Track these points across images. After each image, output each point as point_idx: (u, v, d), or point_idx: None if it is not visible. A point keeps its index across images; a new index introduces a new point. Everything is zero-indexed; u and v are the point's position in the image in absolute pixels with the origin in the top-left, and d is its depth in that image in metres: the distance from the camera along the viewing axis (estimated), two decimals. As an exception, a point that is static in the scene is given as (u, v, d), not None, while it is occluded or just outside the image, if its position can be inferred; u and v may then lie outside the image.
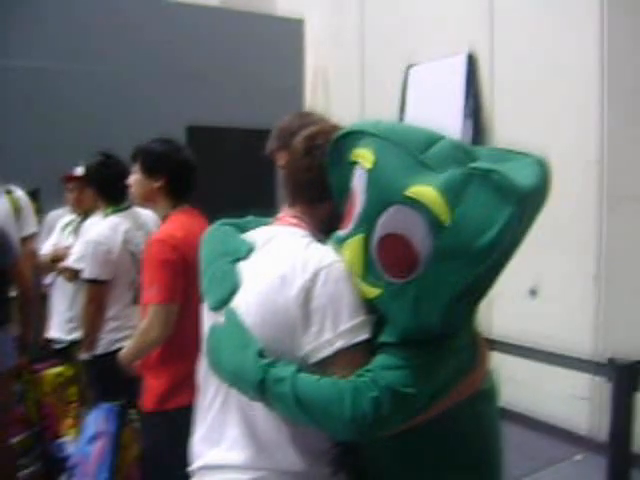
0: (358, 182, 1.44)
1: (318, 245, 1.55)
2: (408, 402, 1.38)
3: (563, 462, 4.31)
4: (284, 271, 1.47)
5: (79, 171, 3.76)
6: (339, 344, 1.42)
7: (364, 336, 1.44)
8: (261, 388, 1.40)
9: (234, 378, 1.47)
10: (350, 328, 1.43)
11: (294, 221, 1.63)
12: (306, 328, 1.44)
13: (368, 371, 1.39)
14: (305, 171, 1.60)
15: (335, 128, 1.63)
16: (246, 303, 1.51)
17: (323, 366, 1.44)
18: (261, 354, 1.44)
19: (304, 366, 1.43)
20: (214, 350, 1.53)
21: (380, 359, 1.41)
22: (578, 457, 4.35)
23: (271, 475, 1.51)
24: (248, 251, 1.61)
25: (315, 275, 1.44)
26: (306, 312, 1.44)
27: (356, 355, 1.43)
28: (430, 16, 5.72)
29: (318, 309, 1.43)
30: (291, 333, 1.46)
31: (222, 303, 1.58)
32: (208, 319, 1.65)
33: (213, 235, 1.77)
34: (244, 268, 1.58)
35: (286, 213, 1.66)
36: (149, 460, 2.74)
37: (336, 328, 1.42)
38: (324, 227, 1.63)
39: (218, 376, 1.53)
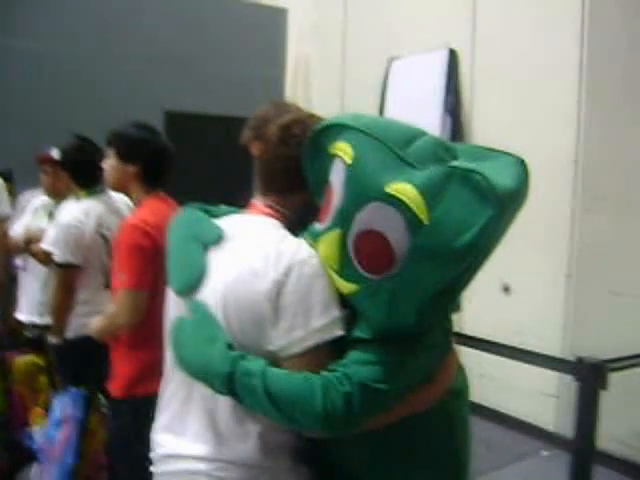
0: (337, 176, 1.42)
1: (292, 238, 1.53)
2: (379, 398, 1.38)
3: (529, 457, 4.36)
4: (256, 263, 1.45)
5: (54, 153, 3.72)
6: (310, 342, 1.41)
7: (336, 334, 1.43)
8: (229, 381, 1.38)
9: (201, 372, 1.45)
10: (322, 326, 1.41)
11: (267, 210, 1.61)
12: (276, 323, 1.42)
13: (341, 366, 1.38)
14: (280, 160, 1.58)
15: (311, 117, 1.62)
16: (215, 294, 1.49)
17: (292, 361, 1.42)
18: (230, 347, 1.42)
19: (272, 360, 1.42)
20: (179, 344, 1.51)
21: (353, 354, 1.40)
22: (544, 453, 4.40)
23: (230, 466, 1.50)
24: (218, 236, 1.58)
25: (288, 270, 1.42)
26: (277, 307, 1.42)
27: (327, 352, 1.42)
28: (413, 10, 5.73)
29: (290, 305, 1.41)
30: (260, 327, 1.44)
31: (187, 288, 1.56)
32: (174, 306, 1.63)
33: (183, 219, 1.73)
34: (214, 257, 1.55)
35: (259, 202, 1.64)
36: (116, 446, 2.72)
37: (308, 325, 1.41)
38: (297, 218, 1.61)
39: (183, 370, 1.51)
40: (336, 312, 1.43)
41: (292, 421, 1.40)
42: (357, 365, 1.37)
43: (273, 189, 1.62)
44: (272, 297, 1.42)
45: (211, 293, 1.51)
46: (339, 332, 1.43)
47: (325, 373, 1.38)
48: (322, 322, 1.42)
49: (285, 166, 1.58)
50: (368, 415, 1.39)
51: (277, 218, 1.60)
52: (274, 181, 1.62)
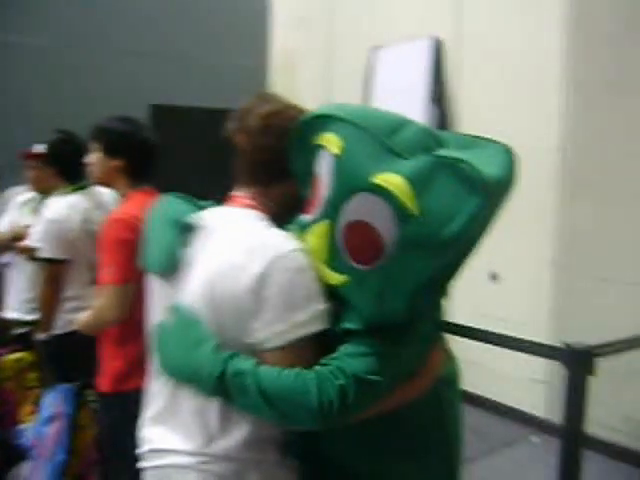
0: (324, 167, 1.42)
1: (275, 230, 1.52)
2: (373, 389, 1.38)
3: (519, 443, 4.39)
4: (239, 256, 1.44)
5: (39, 149, 3.70)
6: (291, 335, 1.41)
7: (317, 328, 1.42)
8: (220, 383, 1.38)
9: (192, 377, 1.44)
10: (304, 320, 1.41)
11: (249, 203, 1.61)
12: (258, 316, 1.42)
13: (333, 359, 1.38)
14: (260, 151, 1.57)
15: (291, 108, 1.61)
16: (198, 287, 1.49)
17: (274, 354, 1.42)
18: (218, 348, 1.41)
19: (254, 353, 1.42)
20: (166, 353, 1.51)
21: (345, 347, 1.40)
22: (534, 439, 4.43)
23: (218, 460, 1.50)
24: (196, 220, 1.58)
25: (271, 263, 1.41)
26: (260, 300, 1.41)
27: (309, 346, 1.43)
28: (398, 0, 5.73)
29: (272, 298, 1.41)
30: (242, 320, 1.43)
31: (163, 267, 1.57)
32: (158, 297, 1.64)
33: (162, 205, 1.73)
34: (197, 250, 1.55)
35: (240, 194, 1.64)
36: (106, 441, 2.72)
37: (289, 319, 1.41)
38: (279, 209, 1.62)
39: (173, 378, 1.51)
40: (319, 306, 1.43)
41: (286, 418, 1.40)
42: (350, 358, 1.38)
43: (254, 181, 1.62)
44: (254, 290, 1.41)
45: (194, 286, 1.50)
46: (321, 326, 1.42)
47: (318, 367, 1.38)
48: (304, 316, 1.41)
49: (265, 157, 1.58)
50: (363, 407, 1.40)
51: (259, 210, 1.59)
52: (255, 173, 1.61)
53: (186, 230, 1.57)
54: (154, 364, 1.64)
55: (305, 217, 1.50)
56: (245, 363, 1.39)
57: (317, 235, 1.43)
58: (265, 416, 1.41)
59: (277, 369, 1.38)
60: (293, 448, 1.58)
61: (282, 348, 1.42)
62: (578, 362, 2.46)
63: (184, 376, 1.47)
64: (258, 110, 1.59)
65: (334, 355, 1.40)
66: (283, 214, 1.61)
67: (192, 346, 1.44)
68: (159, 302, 1.65)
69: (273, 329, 1.41)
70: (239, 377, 1.37)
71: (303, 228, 1.49)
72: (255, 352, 1.43)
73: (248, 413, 1.44)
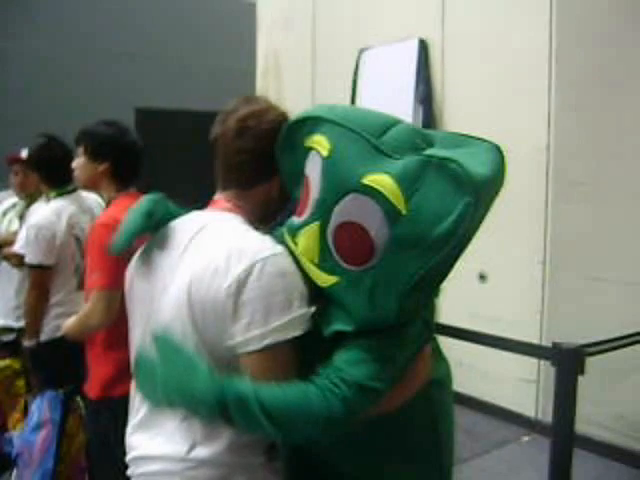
0: (313, 169, 1.42)
1: (256, 234, 1.51)
2: (376, 394, 1.37)
3: (510, 444, 4.39)
4: (218, 261, 1.43)
5: (24, 153, 3.68)
6: (269, 340, 1.39)
7: (297, 332, 1.41)
8: (221, 409, 1.33)
9: (187, 405, 1.39)
10: (281, 325, 1.39)
11: (228, 206, 1.60)
12: (236, 320, 1.40)
13: (332, 369, 1.36)
14: (236, 154, 1.56)
15: (274, 110, 1.60)
16: (179, 291, 1.47)
17: (251, 358, 1.40)
18: (212, 373, 1.37)
19: (233, 356, 1.41)
20: (154, 382, 1.41)
21: (342, 355, 1.38)
22: (525, 439, 4.43)
23: (203, 466, 1.49)
24: (171, 212, 1.61)
25: (250, 267, 1.40)
26: (238, 304, 1.39)
27: (288, 350, 1.41)
28: (382, 0, 5.72)
29: (250, 302, 1.39)
30: (222, 323, 1.42)
31: (125, 245, 1.60)
32: (139, 299, 1.64)
33: (137, 203, 1.70)
34: (177, 255, 1.54)
35: (222, 197, 1.63)
36: (95, 448, 2.70)
37: (267, 324, 1.39)
38: (261, 211, 1.61)
39: (164, 406, 1.45)
40: (300, 311, 1.41)
41: (291, 434, 1.38)
42: (349, 366, 1.36)
43: (233, 183, 1.61)
44: (234, 294, 1.40)
45: (174, 290, 1.49)
46: (301, 331, 1.41)
47: (318, 380, 1.36)
48: (282, 321, 1.40)
49: (241, 159, 1.57)
50: (364, 412, 1.38)
51: (240, 213, 1.59)
52: (232, 175, 1.60)
53: (152, 216, 1.59)
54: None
55: (295, 219, 1.49)
56: (243, 386, 1.34)
57: (308, 237, 1.42)
58: (270, 434, 1.37)
59: (277, 387, 1.35)
60: (281, 450, 1.57)
61: (259, 352, 1.40)
62: (568, 361, 2.47)
63: (180, 406, 1.41)
64: (238, 112, 1.59)
65: (332, 364, 1.38)
66: (265, 216, 1.61)
67: (183, 376, 1.38)
68: (140, 307, 1.63)
69: (250, 333, 1.40)
70: (240, 402, 1.32)
71: (293, 230, 1.48)
72: (235, 356, 1.41)
73: (252, 432, 1.41)
